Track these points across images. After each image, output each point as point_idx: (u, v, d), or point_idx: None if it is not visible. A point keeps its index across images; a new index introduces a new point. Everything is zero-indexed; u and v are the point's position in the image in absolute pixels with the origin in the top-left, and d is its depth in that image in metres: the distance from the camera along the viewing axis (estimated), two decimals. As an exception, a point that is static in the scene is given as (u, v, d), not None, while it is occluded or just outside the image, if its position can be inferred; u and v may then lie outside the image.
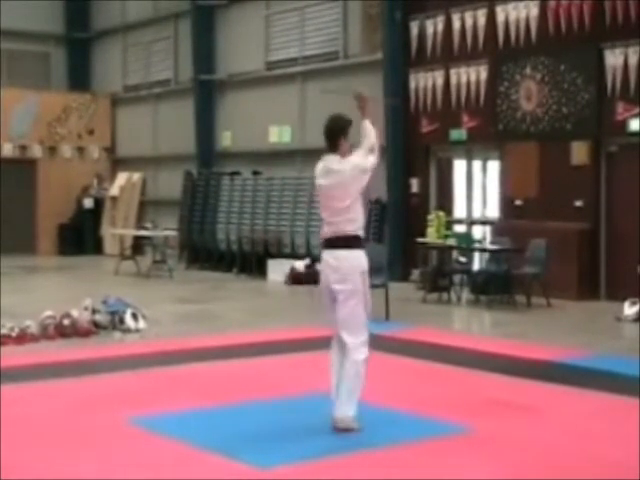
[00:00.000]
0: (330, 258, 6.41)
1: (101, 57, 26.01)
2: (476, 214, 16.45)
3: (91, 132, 24.78)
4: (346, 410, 6.33)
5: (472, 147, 16.35)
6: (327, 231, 6.47)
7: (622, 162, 14.14)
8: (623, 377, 8.39)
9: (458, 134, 16.30)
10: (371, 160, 6.46)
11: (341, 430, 6.33)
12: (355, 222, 6.41)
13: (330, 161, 6.45)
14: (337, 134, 6.45)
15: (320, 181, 6.48)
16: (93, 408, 7.15)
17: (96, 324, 11.03)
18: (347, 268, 6.33)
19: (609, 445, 6.20)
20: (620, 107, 13.96)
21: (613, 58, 13.99)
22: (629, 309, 12.27)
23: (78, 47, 25.93)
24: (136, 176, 24.06)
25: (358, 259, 6.38)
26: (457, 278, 14.76)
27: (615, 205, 14.28)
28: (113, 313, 11.25)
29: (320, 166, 6.52)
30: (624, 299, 12.51)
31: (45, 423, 6.69)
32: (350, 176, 6.33)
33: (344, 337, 6.38)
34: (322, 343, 10.27)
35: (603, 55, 14.10)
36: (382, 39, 17.33)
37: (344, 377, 6.36)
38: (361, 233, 6.47)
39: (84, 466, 5.67)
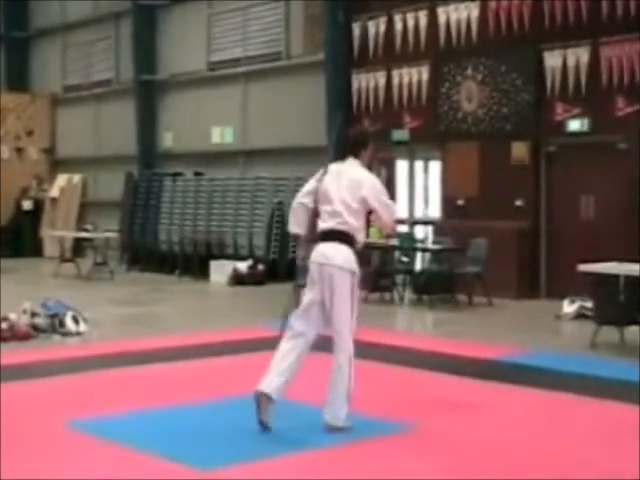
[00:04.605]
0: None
1: (40, 57, 25.67)
2: (418, 214, 16.53)
3: (30, 133, 24.45)
4: None
5: (414, 147, 16.41)
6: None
7: (561, 162, 14.31)
8: (564, 374, 8.48)
9: (400, 134, 16.37)
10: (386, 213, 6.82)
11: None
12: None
13: (350, 166, 6.80)
14: (359, 145, 7.00)
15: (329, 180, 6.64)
16: (31, 412, 7.03)
17: (35, 327, 10.85)
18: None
19: (549, 441, 6.25)
20: (559, 108, 14.14)
21: (552, 59, 14.17)
22: (568, 307, 12.42)
23: (16, 46, 25.57)
24: (77, 177, 23.74)
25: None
26: (399, 278, 14.82)
27: (555, 204, 14.45)
28: (53, 316, 11.08)
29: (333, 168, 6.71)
30: (563, 297, 12.66)
31: (-19, 428, 6.56)
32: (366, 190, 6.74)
33: None
34: (263, 344, 10.26)
35: (542, 56, 14.28)
36: (324, 40, 17.35)
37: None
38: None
39: (19, 470, 5.57)
